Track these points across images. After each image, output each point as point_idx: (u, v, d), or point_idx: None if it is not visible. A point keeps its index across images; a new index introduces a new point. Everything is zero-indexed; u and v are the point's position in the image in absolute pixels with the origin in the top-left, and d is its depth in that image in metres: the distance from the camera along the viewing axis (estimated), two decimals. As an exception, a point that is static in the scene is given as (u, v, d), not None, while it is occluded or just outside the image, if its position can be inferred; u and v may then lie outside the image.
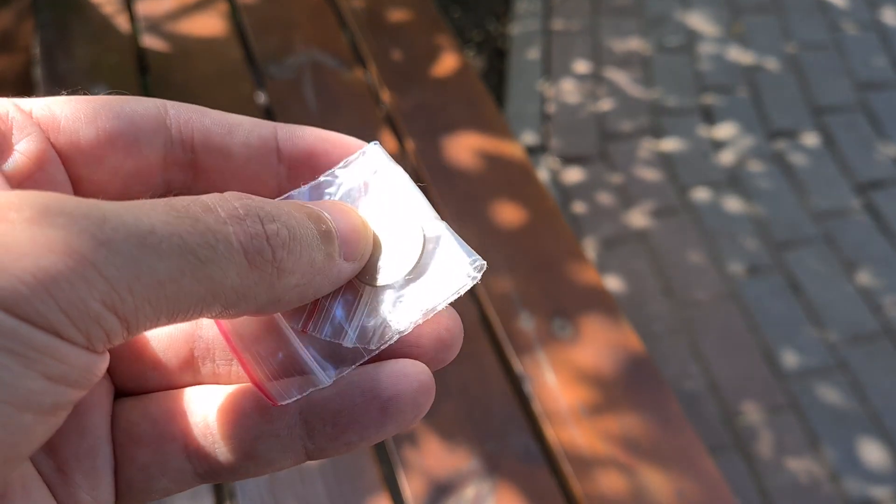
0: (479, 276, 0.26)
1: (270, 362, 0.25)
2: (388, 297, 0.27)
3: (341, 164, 0.28)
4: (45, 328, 0.17)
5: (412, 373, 0.25)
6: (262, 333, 0.26)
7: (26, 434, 0.18)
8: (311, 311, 0.27)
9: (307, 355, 0.26)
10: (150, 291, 0.19)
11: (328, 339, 0.26)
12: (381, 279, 0.27)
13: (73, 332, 0.18)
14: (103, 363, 0.20)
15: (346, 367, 0.26)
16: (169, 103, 0.27)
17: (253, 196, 0.23)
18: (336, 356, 0.26)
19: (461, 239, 0.27)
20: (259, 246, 0.22)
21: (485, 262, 0.26)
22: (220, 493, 0.84)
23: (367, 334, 0.26)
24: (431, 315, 0.26)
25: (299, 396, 0.25)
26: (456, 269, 0.26)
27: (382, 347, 0.26)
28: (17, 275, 0.17)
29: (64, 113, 0.25)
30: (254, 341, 0.26)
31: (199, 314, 0.21)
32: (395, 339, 0.26)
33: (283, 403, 0.25)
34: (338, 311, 0.27)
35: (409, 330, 0.26)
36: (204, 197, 0.22)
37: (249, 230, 0.22)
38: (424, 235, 0.27)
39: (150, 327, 0.20)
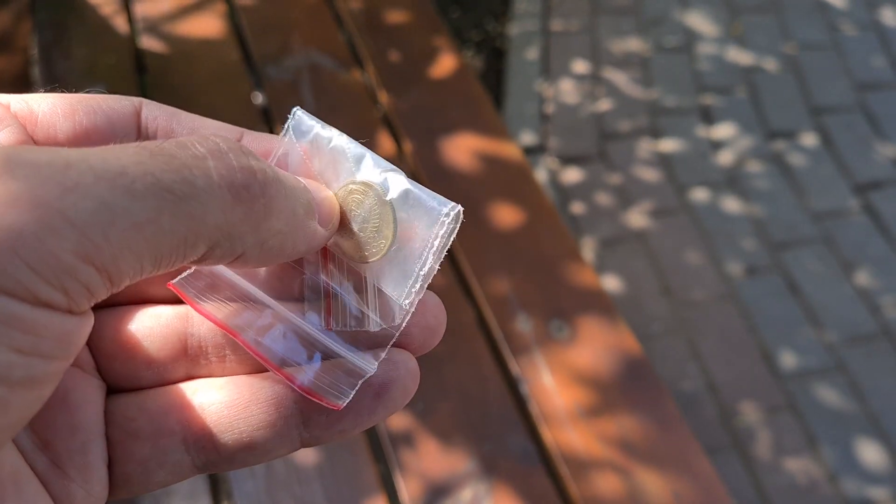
0: (457, 225, 0.26)
1: (313, 368, 0.26)
2: (388, 270, 0.26)
3: (284, 131, 0.28)
4: (12, 293, 0.16)
5: (400, 360, 0.26)
6: (291, 342, 0.26)
7: (2, 408, 0.17)
8: (326, 309, 0.27)
9: (343, 350, 0.26)
10: (128, 235, 0.18)
11: (354, 329, 0.27)
12: (371, 254, 0.26)
13: (47, 291, 0.17)
14: (84, 327, 0.19)
15: (382, 349, 0.26)
16: (145, 101, 0.26)
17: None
18: (368, 342, 0.27)
19: (428, 189, 0.26)
20: (246, 180, 0.21)
21: (461, 207, 0.26)
22: (217, 493, 0.84)
23: (387, 313, 0.26)
24: (434, 271, 0.26)
25: (353, 392, 0.25)
26: (434, 222, 0.26)
27: (407, 319, 0.26)
28: None
29: (41, 108, 0.24)
30: (286, 353, 0.26)
31: (184, 257, 0.20)
32: (413, 308, 0.26)
33: (344, 404, 0.25)
34: (350, 300, 0.27)
35: (422, 294, 0.26)
36: (181, 138, 0.21)
37: (233, 163, 0.21)
38: (392, 202, 0.26)
39: (136, 277, 0.19)
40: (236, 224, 0.21)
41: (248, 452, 0.26)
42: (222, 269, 0.27)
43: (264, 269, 0.28)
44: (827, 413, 1.49)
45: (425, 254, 0.26)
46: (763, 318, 1.62)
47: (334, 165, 0.27)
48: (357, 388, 0.25)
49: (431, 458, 0.84)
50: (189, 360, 0.27)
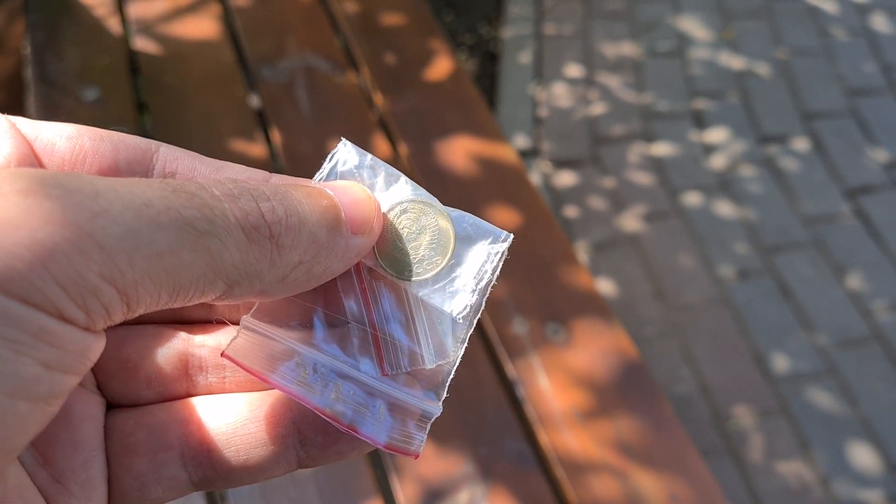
0: (504, 255, 0.26)
1: (384, 422, 0.26)
2: (443, 286, 0.26)
3: (321, 171, 0.28)
4: (40, 306, 0.17)
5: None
6: (356, 398, 0.26)
7: (21, 424, 0.18)
8: (377, 353, 0.27)
9: (405, 395, 0.26)
10: (150, 264, 0.19)
11: (409, 370, 0.26)
12: (425, 270, 0.26)
13: (70, 308, 0.18)
14: (99, 345, 0.19)
15: (442, 387, 0.26)
16: (164, 144, 0.26)
17: (247, 179, 0.23)
18: (426, 380, 0.27)
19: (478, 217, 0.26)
20: (255, 222, 0.22)
21: (511, 234, 0.26)
22: (211, 495, 0.83)
23: (441, 347, 0.26)
24: (490, 287, 0.26)
25: (425, 436, 0.26)
26: (494, 241, 0.26)
27: (461, 353, 0.26)
28: (11, 249, 0.17)
29: (46, 129, 0.25)
30: (355, 412, 0.26)
31: (203, 293, 0.21)
32: (467, 340, 0.26)
33: (421, 450, 0.26)
34: (401, 337, 0.26)
35: (474, 324, 0.26)
36: (199, 180, 0.22)
37: (244, 207, 0.22)
38: (452, 218, 0.26)
39: (152, 306, 0.20)
40: (252, 263, 0.22)
41: (244, 471, 0.26)
42: (269, 329, 0.27)
43: (308, 316, 0.28)
44: (819, 416, 1.50)
45: (483, 267, 0.26)
46: (755, 321, 1.62)
47: (386, 187, 0.27)
48: (428, 429, 0.26)
49: (428, 462, 0.84)
50: (189, 378, 0.27)
